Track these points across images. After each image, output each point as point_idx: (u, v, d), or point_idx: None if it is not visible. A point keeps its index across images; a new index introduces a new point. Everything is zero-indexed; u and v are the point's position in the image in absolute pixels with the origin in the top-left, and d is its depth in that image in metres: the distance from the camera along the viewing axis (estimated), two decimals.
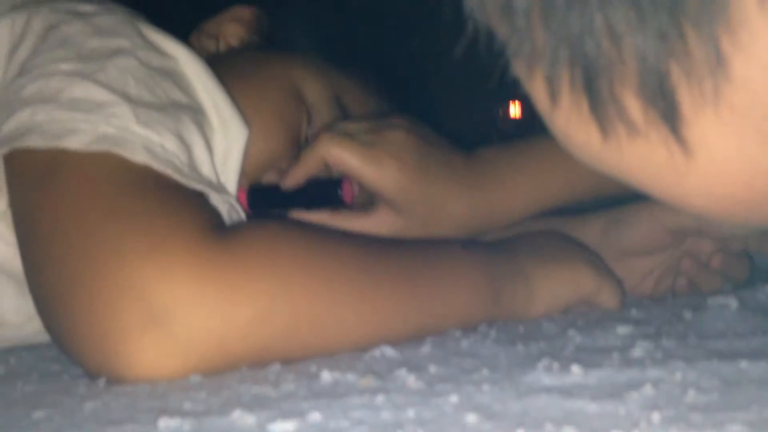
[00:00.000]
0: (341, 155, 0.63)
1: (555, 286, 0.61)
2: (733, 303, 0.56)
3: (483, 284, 0.57)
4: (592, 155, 0.27)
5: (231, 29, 0.74)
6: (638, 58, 0.24)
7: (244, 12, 0.74)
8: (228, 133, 0.58)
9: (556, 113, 0.27)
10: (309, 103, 0.69)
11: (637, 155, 0.26)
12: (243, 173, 0.63)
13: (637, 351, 0.45)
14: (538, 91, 0.26)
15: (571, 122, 0.26)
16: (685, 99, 0.24)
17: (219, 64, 0.63)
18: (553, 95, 0.26)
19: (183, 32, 0.71)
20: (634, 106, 0.25)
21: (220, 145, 0.57)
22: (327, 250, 0.50)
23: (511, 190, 0.65)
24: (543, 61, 0.25)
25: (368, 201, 0.66)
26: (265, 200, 0.65)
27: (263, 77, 0.69)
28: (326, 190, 0.64)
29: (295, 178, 0.65)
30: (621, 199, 0.68)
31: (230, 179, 0.58)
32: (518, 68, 0.27)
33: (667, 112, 0.24)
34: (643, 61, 0.24)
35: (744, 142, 0.24)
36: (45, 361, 0.53)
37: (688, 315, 0.55)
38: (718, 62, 0.23)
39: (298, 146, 0.68)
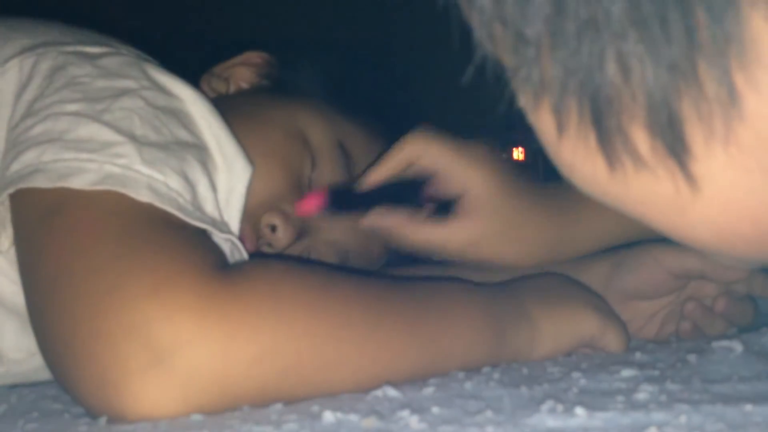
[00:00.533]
0: (434, 151, 0.62)
1: (559, 328, 0.60)
2: (737, 347, 0.55)
3: (486, 325, 0.57)
4: (598, 187, 0.27)
5: (241, 73, 0.75)
6: (648, 91, 0.23)
7: (255, 57, 0.76)
8: (232, 172, 0.58)
9: (563, 145, 0.27)
10: (313, 147, 0.69)
11: (643, 188, 0.26)
12: (245, 214, 0.63)
13: (642, 394, 0.44)
14: (544, 123, 0.26)
15: (577, 154, 0.26)
16: (694, 134, 0.24)
17: (226, 106, 0.64)
18: (560, 126, 0.26)
19: (195, 75, 0.73)
20: (641, 139, 0.25)
21: (224, 184, 0.57)
22: (330, 290, 0.50)
23: (586, 226, 0.65)
24: (551, 92, 0.25)
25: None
26: (343, 201, 0.62)
27: (268, 120, 0.70)
28: (408, 190, 0.62)
29: (378, 175, 0.63)
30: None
31: (233, 217, 0.58)
32: (524, 99, 0.27)
33: (675, 146, 0.24)
34: (653, 94, 0.23)
35: (749, 179, 0.24)
36: (46, 400, 0.53)
37: (692, 358, 0.55)
38: (731, 98, 0.23)
39: (302, 190, 0.68)
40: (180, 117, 0.57)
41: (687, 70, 0.23)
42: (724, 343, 0.56)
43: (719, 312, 0.67)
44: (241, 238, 0.61)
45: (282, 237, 0.66)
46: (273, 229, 0.66)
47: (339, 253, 0.71)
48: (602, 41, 0.23)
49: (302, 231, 0.68)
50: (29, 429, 0.45)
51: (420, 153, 0.62)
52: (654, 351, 0.60)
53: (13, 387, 0.59)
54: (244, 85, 0.75)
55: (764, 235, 0.26)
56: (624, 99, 0.24)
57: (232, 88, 0.75)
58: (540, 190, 0.65)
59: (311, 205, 0.62)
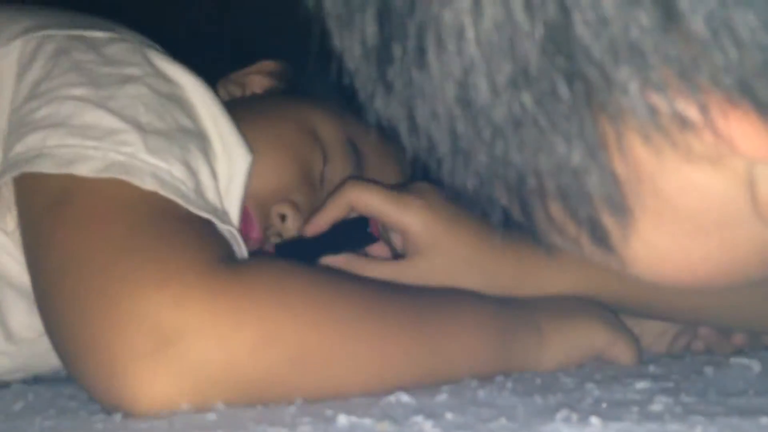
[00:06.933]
0: (367, 197, 0.63)
1: (567, 339, 0.60)
2: (755, 366, 0.55)
3: (493, 332, 0.57)
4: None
5: (257, 80, 0.76)
6: (558, 186, 0.26)
7: (270, 65, 0.77)
8: (231, 161, 0.59)
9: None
10: (324, 143, 0.70)
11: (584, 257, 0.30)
12: (256, 204, 0.64)
13: (657, 405, 0.44)
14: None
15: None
16: (610, 221, 0.27)
17: (240, 105, 0.65)
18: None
19: (210, 77, 0.73)
20: (571, 226, 0.28)
21: (224, 172, 0.58)
22: (335, 287, 0.51)
23: (550, 273, 0.64)
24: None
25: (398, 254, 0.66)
26: (294, 253, 0.64)
27: (280, 115, 0.71)
28: (354, 229, 0.64)
29: (319, 223, 0.65)
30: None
31: (233, 206, 0.59)
32: None
33: (597, 233, 0.28)
34: (565, 189, 0.26)
35: (676, 239, 0.28)
36: (62, 398, 0.53)
37: (708, 371, 0.54)
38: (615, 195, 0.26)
39: (313, 183, 0.69)
40: (182, 104, 0.57)
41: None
42: (743, 360, 0.56)
43: (736, 345, 0.67)
44: (249, 226, 0.62)
45: (292, 227, 0.67)
46: (283, 218, 0.67)
47: None
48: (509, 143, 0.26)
49: None
50: (46, 426, 0.45)
51: (354, 200, 0.63)
52: (668, 364, 0.60)
53: (30, 384, 0.59)
54: (258, 91, 0.76)
55: (702, 280, 0.30)
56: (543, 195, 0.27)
57: (247, 93, 0.76)
58: (494, 231, 0.64)
59: None
